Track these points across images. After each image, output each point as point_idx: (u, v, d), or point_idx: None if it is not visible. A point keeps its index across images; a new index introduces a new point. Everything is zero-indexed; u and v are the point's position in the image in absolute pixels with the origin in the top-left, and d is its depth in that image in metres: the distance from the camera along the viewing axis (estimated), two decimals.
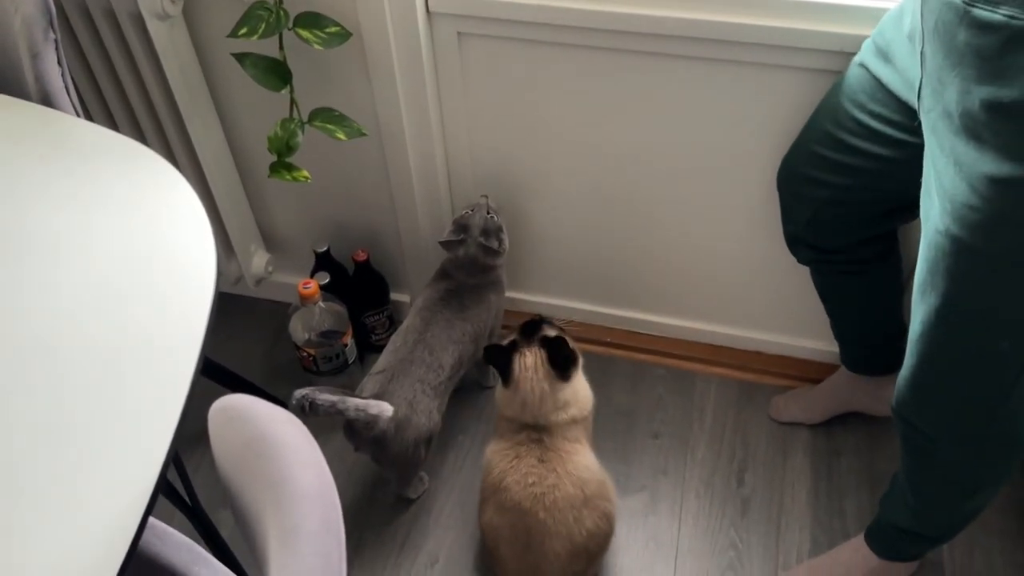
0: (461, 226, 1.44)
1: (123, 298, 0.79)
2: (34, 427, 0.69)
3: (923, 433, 1.08)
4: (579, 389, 1.28)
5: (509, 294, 1.62)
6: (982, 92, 0.81)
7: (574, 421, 1.26)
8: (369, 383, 1.35)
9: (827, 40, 1.16)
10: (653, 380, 1.67)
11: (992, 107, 0.81)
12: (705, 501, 1.49)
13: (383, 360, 1.38)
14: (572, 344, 1.28)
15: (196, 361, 0.71)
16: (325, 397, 1.24)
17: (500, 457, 1.26)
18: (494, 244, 1.42)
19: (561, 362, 1.25)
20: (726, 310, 1.63)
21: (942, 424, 1.06)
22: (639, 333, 1.71)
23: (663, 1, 1.20)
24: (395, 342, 1.40)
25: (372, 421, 1.28)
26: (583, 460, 1.25)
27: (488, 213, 1.44)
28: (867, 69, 1.07)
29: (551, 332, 1.29)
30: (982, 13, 0.79)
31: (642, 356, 1.71)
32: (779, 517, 1.47)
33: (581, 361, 1.29)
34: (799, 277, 1.41)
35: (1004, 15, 0.77)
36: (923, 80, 0.93)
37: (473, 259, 1.43)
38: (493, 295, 1.48)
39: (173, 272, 0.81)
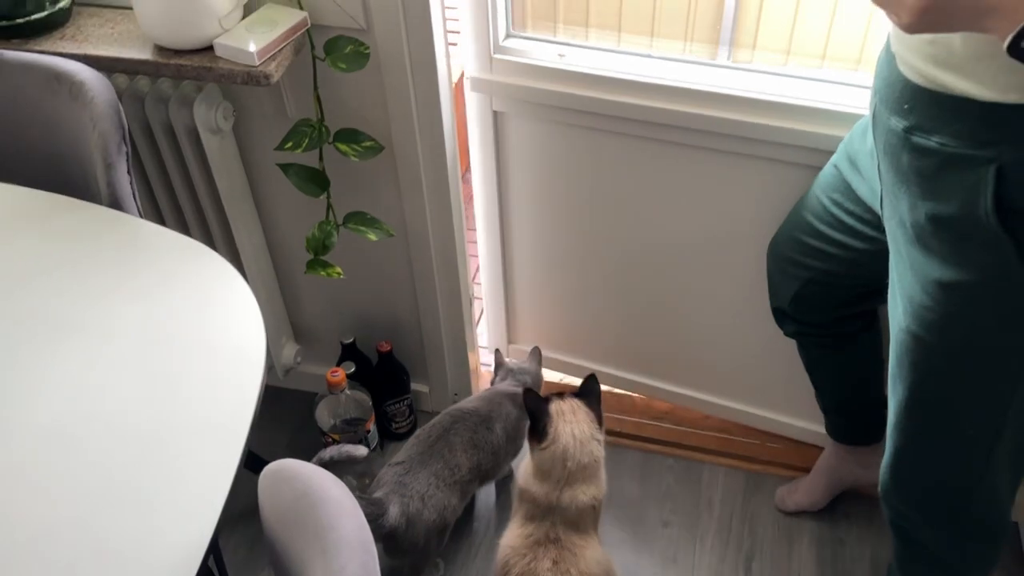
0: (511, 371, 1.61)
1: (177, 386, 0.86)
2: (80, 511, 0.74)
3: (907, 518, 1.14)
4: (600, 470, 1.31)
5: None
6: (926, 207, 0.92)
7: (592, 508, 1.28)
8: (387, 474, 1.39)
9: (813, 139, 1.31)
10: (662, 470, 1.73)
11: (935, 220, 0.91)
12: None
13: (404, 451, 1.43)
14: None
15: (241, 453, 0.78)
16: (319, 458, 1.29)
17: (517, 558, 1.27)
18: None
19: (596, 398, 1.30)
20: (734, 384, 1.72)
21: (923, 508, 1.12)
22: (648, 424, 1.79)
23: (682, 98, 1.36)
24: (419, 435, 1.46)
25: (380, 517, 1.32)
26: (593, 555, 1.28)
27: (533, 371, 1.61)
28: (840, 171, 1.19)
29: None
30: (919, 140, 0.90)
31: (651, 447, 1.77)
32: None
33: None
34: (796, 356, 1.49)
35: (937, 143, 0.88)
36: (883, 191, 1.04)
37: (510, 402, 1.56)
38: (517, 431, 1.55)
39: (227, 363, 0.89)
